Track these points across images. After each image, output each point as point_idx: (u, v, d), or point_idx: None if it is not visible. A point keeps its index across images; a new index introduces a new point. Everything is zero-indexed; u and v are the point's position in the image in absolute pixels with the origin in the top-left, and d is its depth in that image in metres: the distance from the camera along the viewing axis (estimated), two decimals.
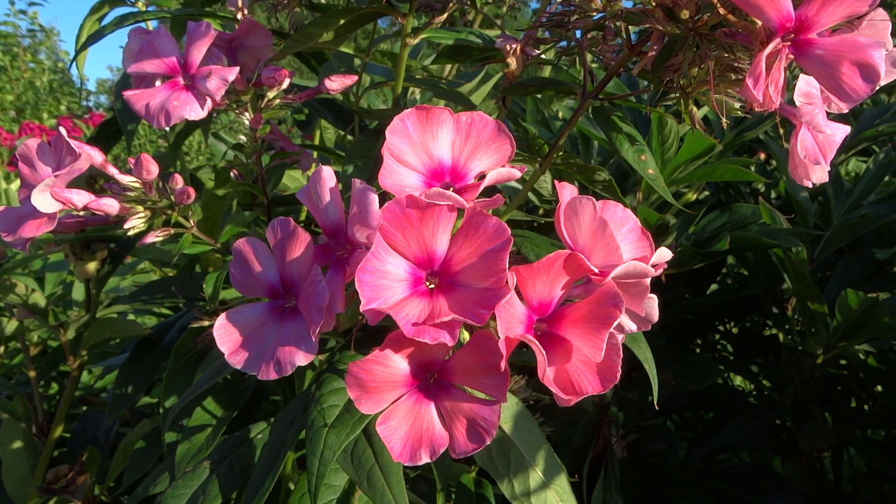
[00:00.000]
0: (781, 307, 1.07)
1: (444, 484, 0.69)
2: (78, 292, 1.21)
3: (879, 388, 1.04)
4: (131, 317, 1.42)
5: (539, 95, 1.12)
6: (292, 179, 0.97)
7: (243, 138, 0.60)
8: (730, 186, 1.15)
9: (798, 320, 1.03)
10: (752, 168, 1.10)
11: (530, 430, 0.55)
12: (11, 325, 0.81)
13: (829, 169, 0.44)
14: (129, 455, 0.80)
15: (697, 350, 1.19)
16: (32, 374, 0.90)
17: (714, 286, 1.23)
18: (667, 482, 1.01)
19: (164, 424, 0.61)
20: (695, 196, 1.10)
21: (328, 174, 0.35)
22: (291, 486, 0.67)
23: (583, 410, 1.09)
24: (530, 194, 0.85)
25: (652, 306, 0.37)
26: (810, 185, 0.43)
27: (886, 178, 1.14)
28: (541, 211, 0.88)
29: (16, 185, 1.99)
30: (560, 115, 1.22)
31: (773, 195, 1.21)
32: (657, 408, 0.45)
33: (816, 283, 1.02)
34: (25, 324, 0.97)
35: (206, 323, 0.63)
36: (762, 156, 1.30)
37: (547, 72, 1.09)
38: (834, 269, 1.05)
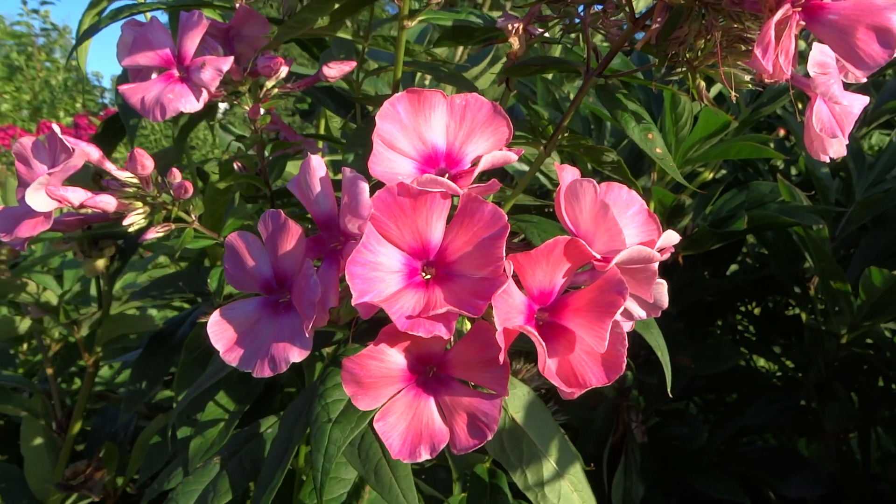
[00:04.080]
0: (803, 286, 1.05)
1: (459, 473, 0.69)
2: (95, 288, 1.22)
3: None
4: (152, 311, 1.43)
5: (550, 77, 1.10)
6: (297, 170, 0.96)
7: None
8: (748, 164, 1.12)
9: (821, 300, 1.00)
10: (771, 145, 1.07)
11: (543, 419, 0.54)
12: (25, 324, 0.82)
13: (847, 142, 0.42)
14: (146, 449, 0.81)
15: (717, 332, 1.16)
16: (50, 371, 0.91)
17: (734, 267, 1.20)
18: (688, 466, 0.99)
19: (172, 420, 0.61)
20: (711, 175, 1.07)
21: (318, 163, 0.34)
22: (304, 478, 0.66)
23: (602, 395, 1.08)
24: (542, 178, 0.83)
25: (661, 292, 0.36)
26: (827, 160, 0.41)
27: None
28: (553, 195, 0.86)
29: None
30: (571, 96, 1.19)
31: (793, 172, 1.17)
32: (671, 395, 0.43)
33: (839, 260, 0.99)
34: (45, 321, 0.98)
35: None
36: (782, 132, 1.27)
37: (557, 51, 1.06)
38: (857, 246, 1.02)
